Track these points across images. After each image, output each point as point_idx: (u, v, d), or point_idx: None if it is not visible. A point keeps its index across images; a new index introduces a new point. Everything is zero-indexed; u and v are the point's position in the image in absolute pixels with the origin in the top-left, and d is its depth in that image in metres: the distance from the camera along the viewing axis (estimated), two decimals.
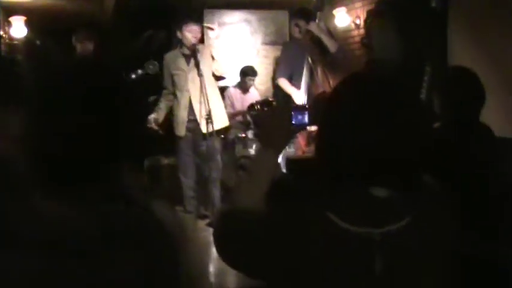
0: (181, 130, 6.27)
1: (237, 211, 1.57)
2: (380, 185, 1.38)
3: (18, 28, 8.50)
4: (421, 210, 1.42)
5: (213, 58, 6.35)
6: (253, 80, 8.48)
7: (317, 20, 6.62)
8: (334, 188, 1.42)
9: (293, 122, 1.78)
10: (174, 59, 6.39)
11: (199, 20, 6.59)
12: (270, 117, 1.78)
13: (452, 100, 2.94)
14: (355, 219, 1.37)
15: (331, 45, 6.55)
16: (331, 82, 6.41)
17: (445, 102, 2.97)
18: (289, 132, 1.79)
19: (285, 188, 1.83)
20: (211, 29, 6.32)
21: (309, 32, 6.59)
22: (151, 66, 6.55)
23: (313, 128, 1.82)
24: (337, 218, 1.37)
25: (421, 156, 1.41)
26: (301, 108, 1.82)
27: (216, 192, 6.45)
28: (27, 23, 8.55)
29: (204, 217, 6.42)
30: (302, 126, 1.82)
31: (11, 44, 8.56)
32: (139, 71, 6.58)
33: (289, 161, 5.63)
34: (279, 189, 1.70)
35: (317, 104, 6.10)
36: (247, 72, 8.41)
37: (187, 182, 6.42)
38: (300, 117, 1.79)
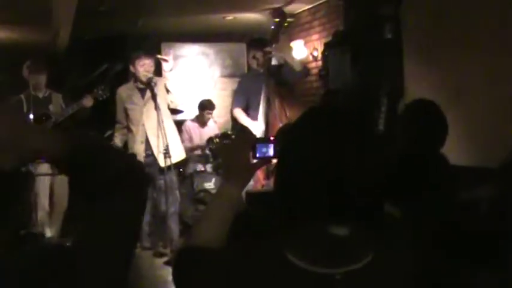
0: None
1: (196, 247, 1.52)
2: (339, 222, 1.33)
3: None
4: (384, 245, 1.38)
5: (167, 91, 6.27)
6: (211, 114, 8.47)
7: (273, 47, 6.65)
8: (292, 225, 1.37)
9: (257, 155, 1.72)
10: (128, 93, 6.30)
11: (154, 53, 6.53)
12: (230, 150, 1.73)
13: (411, 133, 2.97)
14: (315, 259, 1.31)
15: (296, 64, 6.60)
16: (287, 113, 6.41)
17: (405, 135, 2.99)
18: (251, 166, 1.73)
19: (245, 223, 1.77)
20: (165, 60, 6.26)
21: (265, 63, 6.60)
22: (100, 92, 6.38)
23: (273, 161, 1.78)
24: (296, 258, 1.31)
25: (380, 188, 1.38)
26: (265, 141, 1.76)
27: (175, 227, 6.35)
28: None
29: (161, 255, 6.28)
30: (267, 159, 1.77)
31: None
32: (88, 96, 6.38)
33: (248, 194, 5.56)
34: (239, 225, 1.65)
35: (281, 136, 6.10)
36: (206, 106, 8.39)
37: (144, 217, 6.30)
38: (264, 149, 1.72)
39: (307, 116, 1.45)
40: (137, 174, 1.39)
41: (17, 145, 1.23)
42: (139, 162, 1.39)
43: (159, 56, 6.24)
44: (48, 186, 6.51)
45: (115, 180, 1.29)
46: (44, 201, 6.50)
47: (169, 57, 6.21)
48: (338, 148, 1.33)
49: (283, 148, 1.43)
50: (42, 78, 6.53)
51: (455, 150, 5.06)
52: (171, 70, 6.15)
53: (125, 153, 1.42)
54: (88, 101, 6.28)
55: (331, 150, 1.33)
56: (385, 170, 1.39)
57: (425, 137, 2.94)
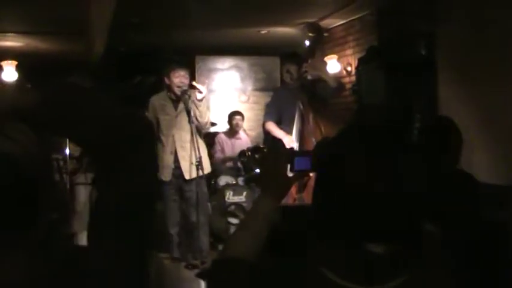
0: (166, 175, 6.17)
1: (231, 260, 1.52)
2: (377, 240, 1.33)
3: (9, 72, 8.53)
4: (421, 264, 1.37)
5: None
6: (241, 120, 8.49)
7: (309, 62, 6.65)
8: (330, 242, 1.37)
9: (295, 168, 1.71)
10: (161, 103, 6.32)
11: (187, 65, 6.52)
12: (269, 162, 1.73)
13: (429, 150, 2.98)
14: (353, 277, 1.31)
15: (332, 80, 6.59)
16: (322, 129, 6.39)
17: (426, 152, 2.99)
18: (288, 179, 1.72)
19: (280, 237, 1.77)
20: (200, 92, 6.13)
21: (300, 78, 6.60)
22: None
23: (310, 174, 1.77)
24: (334, 275, 1.32)
25: (418, 206, 1.37)
26: (303, 154, 1.75)
27: (205, 239, 6.36)
28: (18, 68, 8.58)
29: (193, 267, 6.26)
30: (304, 173, 1.75)
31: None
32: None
33: (280, 208, 5.57)
34: (275, 239, 1.64)
35: (319, 150, 6.11)
36: (233, 113, 8.48)
37: (174, 228, 6.32)
38: (301, 163, 1.71)
39: (346, 133, 1.45)
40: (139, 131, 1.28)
41: None
42: (140, 115, 1.29)
43: (194, 83, 6.20)
44: (87, 195, 6.55)
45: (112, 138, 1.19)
46: (80, 210, 6.55)
47: (204, 87, 6.15)
48: (376, 167, 1.33)
49: (321, 164, 1.44)
50: None
51: (489, 170, 5.03)
52: (201, 100, 6.07)
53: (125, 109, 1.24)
54: None
55: (370, 168, 1.33)
56: (423, 188, 1.39)
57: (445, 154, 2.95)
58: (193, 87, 6.10)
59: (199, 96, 6.05)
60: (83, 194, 6.51)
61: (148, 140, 1.28)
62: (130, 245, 1.18)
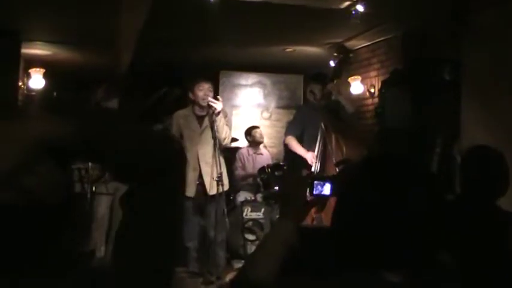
0: (190, 191, 6.15)
1: (250, 282, 1.54)
2: (393, 269, 1.34)
3: (37, 80, 8.65)
4: None
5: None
6: (260, 132, 8.50)
7: (335, 83, 6.66)
8: (346, 268, 1.39)
9: (314, 192, 1.73)
10: (186, 118, 6.31)
11: (210, 79, 6.52)
12: (287, 185, 1.75)
13: (470, 179, 2.92)
14: None
15: (349, 106, 6.57)
16: (344, 150, 6.39)
17: (463, 181, 2.95)
18: (307, 203, 1.74)
19: (298, 261, 1.79)
20: (215, 102, 6.11)
21: (324, 98, 6.61)
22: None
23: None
24: None
25: (433, 236, 1.39)
26: (322, 178, 1.77)
27: (222, 255, 6.36)
28: (46, 75, 8.69)
29: (210, 283, 6.25)
30: (323, 198, 1.77)
31: (29, 95, 8.68)
32: (159, 125, 6.53)
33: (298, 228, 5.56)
34: (292, 262, 1.66)
35: (342, 176, 6.13)
36: (252, 127, 8.53)
37: (192, 243, 6.32)
38: (321, 187, 1.73)
39: (367, 163, 1.48)
40: (174, 159, 1.25)
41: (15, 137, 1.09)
42: (173, 139, 1.28)
43: (209, 99, 6.17)
44: (108, 205, 6.57)
45: (147, 167, 1.17)
46: (101, 220, 6.58)
47: (219, 102, 6.14)
48: (395, 196, 1.36)
49: (342, 192, 1.46)
50: (115, 104, 6.61)
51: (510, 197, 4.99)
52: (218, 114, 6.07)
53: (155, 133, 1.21)
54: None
55: (388, 198, 1.35)
56: (439, 218, 1.40)
57: (484, 188, 2.87)
58: (213, 102, 6.09)
59: (218, 106, 6.04)
60: (103, 204, 6.54)
61: (180, 164, 1.30)
62: (153, 266, 1.19)
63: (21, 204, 1.10)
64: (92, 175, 5.94)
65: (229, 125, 6.30)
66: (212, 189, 6.11)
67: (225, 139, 6.16)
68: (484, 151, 3.03)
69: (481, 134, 5.53)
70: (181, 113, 6.40)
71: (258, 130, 8.51)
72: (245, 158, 8.33)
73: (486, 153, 2.98)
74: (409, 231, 1.34)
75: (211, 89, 6.18)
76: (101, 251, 6.56)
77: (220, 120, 6.06)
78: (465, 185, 2.95)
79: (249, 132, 8.53)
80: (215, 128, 6.03)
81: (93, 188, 6.03)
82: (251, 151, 8.41)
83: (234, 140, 6.79)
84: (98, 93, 6.51)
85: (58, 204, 1.16)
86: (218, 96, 6.23)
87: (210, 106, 6.05)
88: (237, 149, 8.43)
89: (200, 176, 6.17)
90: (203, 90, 6.11)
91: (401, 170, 1.42)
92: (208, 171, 6.13)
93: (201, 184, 6.17)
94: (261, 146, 8.56)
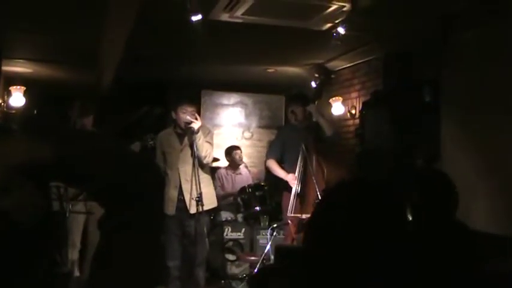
0: (170, 209, 6.17)
1: None
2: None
3: (17, 98, 8.60)
4: None
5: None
6: (240, 152, 8.51)
7: (316, 103, 6.67)
8: (318, 284, 1.41)
9: None
10: (168, 138, 6.37)
11: (194, 100, 6.55)
12: None
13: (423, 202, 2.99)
14: None
15: (327, 128, 6.57)
16: (325, 171, 6.40)
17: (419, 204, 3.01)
18: None
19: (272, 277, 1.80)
20: (193, 121, 6.14)
21: (305, 119, 6.62)
22: (151, 142, 6.51)
23: (305, 215, 1.80)
24: None
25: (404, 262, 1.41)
26: None
27: (202, 275, 6.33)
28: (26, 93, 8.65)
29: None
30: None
31: (8, 113, 8.62)
32: (137, 143, 6.54)
33: (278, 248, 5.55)
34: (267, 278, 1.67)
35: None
36: (232, 148, 8.53)
37: (174, 262, 6.29)
38: None
39: (339, 188, 1.51)
40: (152, 185, 1.26)
41: None
42: (154, 165, 1.27)
43: (187, 117, 6.19)
44: (82, 223, 6.57)
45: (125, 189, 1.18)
46: (76, 239, 6.56)
47: (198, 121, 6.18)
48: (363, 220, 1.38)
49: (315, 215, 1.49)
50: (89, 120, 6.62)
51: (490, 218, 5.02)
52: (197, 132, 6.10)
53: (136, 156, 1.21)
54: (136, 147, 6.41)
55: (357, 221, 1.38)
56: (410, 239, 1.43)
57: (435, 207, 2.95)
58: (190, 122, 6.11)
59: (195, 125, 6.07)
60: (79, 223, 6.52)
61: (157, 187, 1.29)
62: (134, 286, 1.19)
63: None
64: (69, 193, 5.89)
65: (211, 142, 6.30)
66: (192, 208, 6.11)
67: (205, 157, 6.17)
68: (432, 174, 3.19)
69: (460, 154, 5.58)
70: (163, 133, 6.49)
71: (238, 152, 8.51)
72: (223, 177, 8.33)
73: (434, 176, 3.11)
74: (378, 254, 1.36)
75: (193, 113, 6.19)
76: (77, 271, 6.52)
77: (199, 138, 6.08)
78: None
79: (229, 153, 8.53)
80: (194, 146, 6.06)
81: (70, 206, 5.98)
82: (230, 171, 8.40)
83: (215, 160, 6.78)
84: (74, 109, 6.52)
85: (35, 226, 1.15)
86: (196, 115, 6.25)
87: (190, 126, 6.08)
88: (217, 168, 8.42)
89: (181, 194, 6.17)
90: (186, 113, 6.14)
91: (371, 195, 1.45)
92: (189, 189, 6.13)
93: (182, 202, 6.17)
94: (241, 165, 8.56)
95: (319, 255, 1.41)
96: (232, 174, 8.39)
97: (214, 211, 7.25)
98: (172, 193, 6.17)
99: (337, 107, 8.05)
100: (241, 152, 8.57)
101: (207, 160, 6.25)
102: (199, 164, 6.14)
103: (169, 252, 6.20)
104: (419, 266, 1.57)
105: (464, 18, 5.53)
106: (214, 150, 6.47)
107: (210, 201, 6.29)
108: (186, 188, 6.16)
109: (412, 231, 1.45)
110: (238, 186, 7.88)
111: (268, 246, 6.11)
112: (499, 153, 5.15)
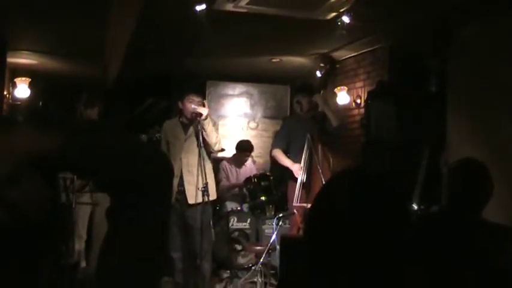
0: None
1: None
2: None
3: (22, 89, 8.61)
4: None
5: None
6: (249, 156, 8.51)
7: (321, 93, 6.67)
8: (317, 272, 1.41)
9: None
10: (172, 127, 6.35)
11: (200, 90, 6.53)
12: None
13: (454, 193, 2.93)
14: None
15: (333, 119, 6.57)
16: (330, 161, 6.40)
17: (448, 195, 2.96)
18: None
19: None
20: (200, 108, 6.13)
21: (310, 109, 6.63)
22: (157, 135, 6.52)
23: (310, 205, 1.81)
24: None
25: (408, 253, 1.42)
26: None
27: (207, 266, 6.33)
28: (31, 85, 8.66)
29: None
30: None
31: (14, 105, 8.64)
32: (144, 136, 6.56)
33: (283, 238, 5.55)
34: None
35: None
36: (244, 148, 8.46)
37: (177, 254, 6.28)
38: None
39: (339, 178, 1.54)
40: (162, 180, 1.24)
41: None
42: (163, 156, 1.25)
43: (194, 106, 6.18)
44: (88, 215, 6.59)
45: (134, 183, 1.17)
46: (82, 230, 6.58)
47: (205, 108, 6.16)
48: (361, 210, 1.39)
49: (316, 203, 1.50)
50: (95, 112, 6.62)
51: (496, 208, 5.01)
52: (205, 118, 6.08)
53: (147, 149, 1.17)
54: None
55: (355, 211, 1.39)
56: (406, 233, 1.44)
57: (470, 201, 2.89)
58: (197, 111, 6.10)
59: (203, 113, 6.06)
60: (86, 214, 6.54)
61: (167, 178, 1.29)
62: (140, 279, 1.19)
63: (5, 219, 1.09)
64: (76, 184, 5.90)
65: (217, 131, 6.30)
66: (195, 199, 6.09)
67: (216, 144, 6.16)
68: (470, 165, 3.04)
69: (466, 145, 5.57)
70: (168, 122, 6.45)
71: (248, 154, 8.45)
72: (228, 169, 8.32)
73: (472, 167, 3.00)
74: (372, 246, 1.38)
75: (200, 103, 6.17)
76: (84, 262, 6.54)
77: (208, 124, 6.07)
78: (452, 198, 2.96)
79: (241, 148, 8.48)
80: (203, 134, 6.04)
81: (76, 198, 6.00)
82: (234, 163, 8.39)
83: (220, 150, 6.77)
84: (80, 103, 6.53)
85: (43, 218, 1.15)
86: (205, 101, 6.24)
87: (197, 115, 6.06)
88: (221, 159, 8.42)
89: (181, 184, 6.16)
90: (192, 102, 6.13)
91: (371, 185, 1.46)
92: (191, 180, 6.11)
93: (182, 193, 6.15)
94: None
95: (319, 243, 1.42)
96: (237, 168, 8.39)
97: (218, 202, 7.25)
98: (173, 183, 6.14)
99: (342, 97, 8.04)
100: (249, 155, 8.51)
101: (218, 147, 6.24)
102: (207, 151, 6.14)
103: (172, 239, 6.19)
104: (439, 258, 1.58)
105: (470, 10, 5.50)
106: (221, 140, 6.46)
107: (212, 193, 6.27)
108: (187, 178, 6.14)
109: (412, 222, 1.46)
110: (242, 178, 7.88)
111: (273, 236, 6.11)
112: (506, 143, 5.15)
